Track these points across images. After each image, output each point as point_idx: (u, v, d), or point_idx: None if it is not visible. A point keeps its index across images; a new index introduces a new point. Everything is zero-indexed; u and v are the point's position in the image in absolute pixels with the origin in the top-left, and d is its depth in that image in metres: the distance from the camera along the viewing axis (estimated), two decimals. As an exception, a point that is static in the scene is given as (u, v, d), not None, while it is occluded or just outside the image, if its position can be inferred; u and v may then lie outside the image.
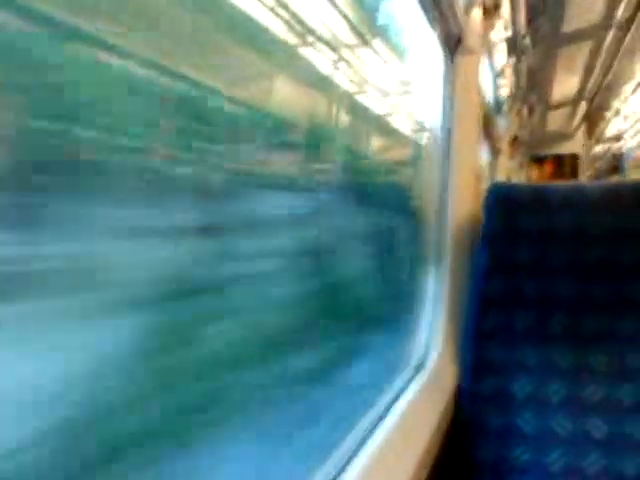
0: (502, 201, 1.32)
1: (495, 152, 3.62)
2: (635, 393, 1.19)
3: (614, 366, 1.22)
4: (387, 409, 1.08)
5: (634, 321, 1.23)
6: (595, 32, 3.68)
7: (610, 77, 5.12)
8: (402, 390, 1.18)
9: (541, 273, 1.29)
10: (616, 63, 4.54)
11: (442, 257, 1.48)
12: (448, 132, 1.55)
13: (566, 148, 7.75)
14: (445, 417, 1.19)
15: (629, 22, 3.54)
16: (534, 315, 1.27)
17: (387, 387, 1.19)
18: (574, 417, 1.20)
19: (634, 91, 6.61)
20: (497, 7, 1.80)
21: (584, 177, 8.12)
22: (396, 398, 1.13)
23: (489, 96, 3.65)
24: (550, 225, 1.29)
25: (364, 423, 1.01)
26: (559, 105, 5.65)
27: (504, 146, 3.74)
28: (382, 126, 2.30)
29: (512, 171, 5.92)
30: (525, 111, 4.59)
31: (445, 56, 1.61)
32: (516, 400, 1.23)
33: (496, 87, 3.61)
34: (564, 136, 7.52)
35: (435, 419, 1.12)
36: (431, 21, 1.48)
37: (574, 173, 7.71)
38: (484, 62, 3.28)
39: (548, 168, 7.73)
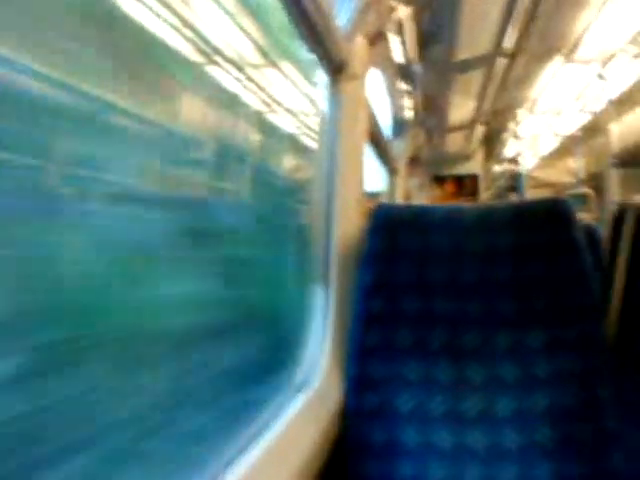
0: (385, 222, 1.36)
1: (393, 173, 3.70)
2: (510, 405, 1.23)
3: (490, 379, 1.26)
4: (264, 428, 1.06)
5: (507, 336, 1.28)
6: (486, 60, 3.86)
7: (503, 102, 5.39)
8: (282, 409, 1.17)
9: (421, 291, 1.32)
10: (507, 89, 4.78)
11: (328, 277, 1.48)
12: (333, 155, 1.56)
13: (466, 168, 8.08)
14: (329, 434, 1.19)
15: (515, 52, 3.73)
16: (415, 332, 1.30)
17: (267, 406, 1.18)
18: (454, 430, 1.23)
19: (527, 116, 7.01)
20: (381, 35, 1.84)
21: (484, 196, 8.49)
22: (275, 417, 1.12)
23: (384, 118, 3.77)
24: (429, 245, 1.33)
25: (235, 444, 0.99)
26: (457, 128, 5.88)
27: (402, 167, 3.83)
28: (292, 145, 2.29)
29: (414, 191, 6.10)
30: (424, 133, 4.73)
31: (329, 81, 1.63)
32: (399, 415, 1.25)
33: (395, 109, 3.72)
34: (464, 157, 7.84)
35: (318, 437, 1.13)
36: (312, 47, 1.49)
37: (474, 192, 8.04)
38: (380, 86, 3.38)
39: (449, 188, 8.02)
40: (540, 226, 1.32)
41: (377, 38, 1.88)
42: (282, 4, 1.28)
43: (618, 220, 1.38)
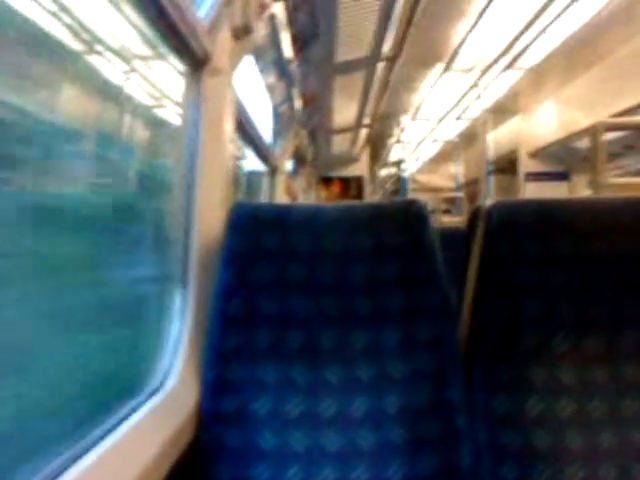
0: (245, 220, 1.35)
1: (273, 172, 3.68)
2: (364, 405, 1.24)
3: (347, 380, 1.26)
4: (108, 432, 1.02)
5: (363, 336, 1.29)
6: (366, 64, 3.92)
7: (387, 107, 5.53)
8: (131, 412, 1.12)
9: (280, 291, 1.31)
10: (390, 94, 4.90)
11: (187, 277, 1.45)
12: (194, 152, 1.52)
13: (352, 171, 8.26)
14: (181, 439, 1.16)
15: (395, 57, 3.82)
16: (273, 333, 1.29)
17: (115, 409, 1.12)
18: (310, 432, 1.23)
19: (410, 122, 7.26)
20: (248, 30, 1.79)
21: (372, 198, 8.71)
22: (121, 420, 1.08)
23: (265, 117, 3.74)
24: (289, 244, 1.33)
25: (75, 448, 0.94)
26: (342, 130, 5.96)
27: (283, 166, 3.82)
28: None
29: (301, 191, 6.12)
30: (308, 133, 4.75)
31: (189, 76, 1.58)
32: (256, 418, 1.24)
33: (274, 108, 3.71)
34: (350, 159, 8.00)
35: (168, 441, 1.09)
36: (168, 39, 1.43)
37: (359, 195, 8.23)
38: (258, 83, 3.35)
39: (335, 189, 8.16)
40: (395, 227, 1.34)
41: (244, 33, 1.84)
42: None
43: (472, 222, 1.42)
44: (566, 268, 1.33)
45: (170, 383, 1.31)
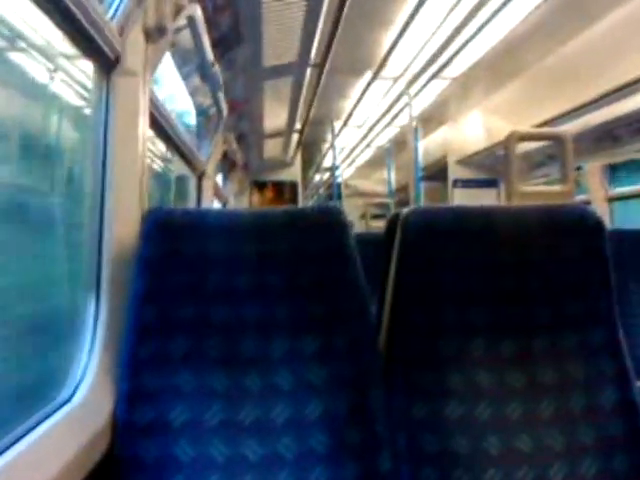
0: (160, 226, 1.31)
1: (200, 176, 3.63)
2: (285, 412, 1.24)
3: (267, 387, 1.26)
4: (10, 445, 0.96)
5: (283, 343, 1.29)
6: (294, 69, 3.94)
7: (318, 112, 5.56)
8: (38, 424, 1.06)
9: (197, 298, 1.30)
10: (320, 100, 4.93)
11: (100, 283, 1.40)
12: (105, 154, 1.48)
13: (286, 175, 8.27)
14: (93, 451, 1.12)
15: (322, 63, 3.85)
16: (190, 340, 1.27)
17: (19, 421, 1.06)
18: (231, 441, 1.20)
19: (343, 127, 7.34)
20: (162, 30, 1.77)
21: (305, 202, 8.75)
22: (26, 433, 1.02)
23: (188, 119, 3.70)
24: (206, 250, 1.31)
25: None
26: (274, 134, 5.96)
27: (211, 170, 3.78)
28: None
29: (232, 195, 6.08)
30: (237, 137, 4.73)
31: (99, 77, 1.54)
32: (173, 429, 1.21)
33: (198, 111, 3.67)
34: (283, 164, 8.02)
35: (79, 453, 1.05)
36: (73, 40, 1.39)
37: (293, 199, 8.26)
38: (180, 86, 3.30)
39: (269, 194, 8.16)
40: (314, 232, 1.34)
41: (158, 34, 1.81)
42: None
43: (390, 228, 1.43)
44: (480, 274, 1.36)
45: (82, 393, 1.26)
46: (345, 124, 7.19)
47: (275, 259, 1.32)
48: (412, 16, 4.00)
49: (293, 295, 1.32)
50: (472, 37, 4.24)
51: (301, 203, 8.45)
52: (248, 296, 1.30)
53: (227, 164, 5.16)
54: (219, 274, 1.31)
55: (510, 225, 1.39)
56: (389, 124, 6.99)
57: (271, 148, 6.65)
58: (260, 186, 8.13)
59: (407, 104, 5.89)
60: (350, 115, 6.80)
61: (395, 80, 5.58)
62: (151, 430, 1.21)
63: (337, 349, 1.29)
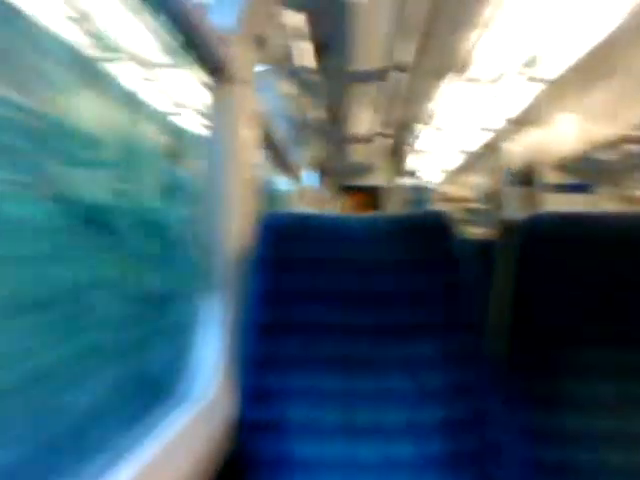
0: (275, 230, 1.35)
1: (297, 181, 3.74)
2: (401, 416, 1.24)
3: (381, 390, 1.26)
4: (147, 440, 1.01)
5: (396, 346, 1.29)
6: (381, 73, 3.99)
7: (403, 115, 5.58)
8: (170, 421, 1.12)
9: (311, 300, 1.32)
10: (405, 103, 4.95)
11: (217, 285, 1.45)
12: (219, 161, 1.55)
13: (372, 180, 8.28)
14: (221, 447, 1.17)
15: (409, 67, 3.89)
16: (305, 341, 1.30)
17: (153, 418, 1.12)
18: (347, 442, 1.22)
19: (426, 130, 7.28)
20: (265, 39, 1.87)
21: (391, 208, 8.72)
22: (161, 429, 1.07)
23: (285, 126, 3.81)
24: (318, 254, 1.33)
25: (113, 457, 0.94)
26: (361, 139, 6.02)
27: (307, 176, 3.88)
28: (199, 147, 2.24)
29: (324, 200, 6.18)
30: (329, 143, 4.82)
31: (211, 85, 1.61)
32: (292, 427, 1.24)
33: (294, 118, 3.78)
34: (370, 169, 8.03)
35: (208, 450, 1.10)
36: (188, 48, 1.48)
37: (380, 204, 8.25)
38: (278, 92, 3.43)
39: (356, 199, 8.19)
40: (421, 239, 1.34)
41: (262, 42, 1.90)
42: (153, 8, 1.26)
43: (505, 236, 1.42)
44: (607, 285, 1.31)
45: (207, 391, 1.30)
46: (433, 128, 7.14)
47: (384, 264, 1.33)
48: (503, 16, 3.96)
49: (403, 300, 1.31)
50: (566, 38, 4.14)
51: (387, 208, 8.43)
52: (360, 300, 1.31)
53: (319, 170, 5.26)
54: (332, 277, 1.33)
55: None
56: (478, 128, 6.88)
57: (358, 153, 6.72)
58: (347, 191, 8.20)
59: (499, 107, 5.79)
60: (438, 118, 6.76)
61: (487, 83, 5.51)
62: (272, 428, 1.24)
63: (450, 355, 1.28)
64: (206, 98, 1.64)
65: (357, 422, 1.24)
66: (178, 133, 1.96)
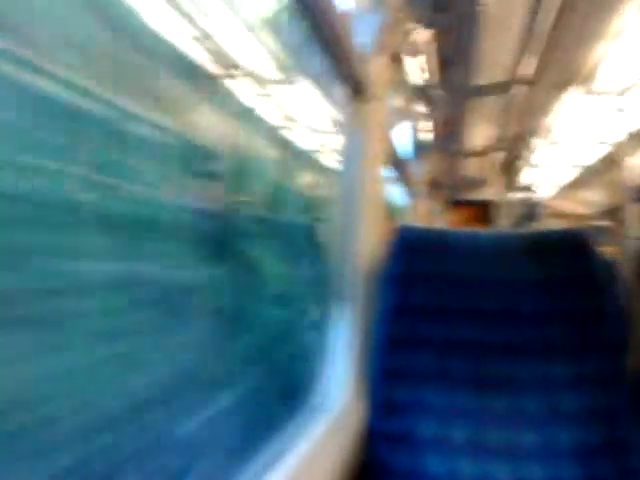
0: (408, 244, 1.36)
1: (413, 195, 3.78)
2: (534, 438, 1.21)
3: (514, 411, 1.24)
4: (283, 453, 1.02)
5: (531, 367, 1.27)
6: (502, 86, 3.96)
7: (520, 129, 5.46)
8: (304, 432, 1.13)
9: (442, 316, 1.31)
10: (525, 117, 4.86)
11: (348, 297, 1.46)
12: (353, 176, 1.57)
13: (483, 194, 8.10)
14: (351, 459, 1.17)
15: (532, 80, 3.83)
16: (437, 357, 1.29)
17: (289, 428, 1.17)
18: (478, 461, 1.20)
19: (542, 144, 7.05)
20: (398, 55, 1.92)
21: (501, 223, 8.51)
22: (297, 438, 1.08)
23: (404, 141, 3.85)
24: (450, 269, 1.34)
25: (259, 464, 0.99)
26: (475, 153, 5.96)
27: (422, 190, 3.91)
28: (308, 161, 2.30)
29: (433, 214, 6.16)
30: (442, 157, 4.82)
31: (348, 100, 1.67)
32: (422, 442, 1.23)
33: (413, 132, 3.82)
34: (481, 183, 7.87)
35: (341, 461, 1.10)
36: (331, 66, 1.54)
37: (490, 219, 8.05)
38: (398, 107, 3.49)
39: (466, 213, 8.03)
40: (561, 257, 1.32)
41: (396, 59, 1.96)
42: (303, 24, 1.28)
43: (634, 254, 1.39)
44: None
45: (335, 401, 1.30)
46: (546, 142, 6.93)
47: (520, 283, 1.31)
48: (633, 27, 3.82)
49: (540, 320, 1.29)
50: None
51: (498, 223, 8.23)
52: (493, 318, 1.30)
53: (432, 183, 5.26)
54: (464, 294, 1.32)
55: None
56: (596, 141, 6.60)
57: (470, 167, 6.65)
58: (457, 205, 8.09)
59: (619, 120, 5.54)
60: (550, 131, 6.55)
61: (606, 95, 5.30)
62: (402, 442, 1.24)
63: (586, 378, 1.24)
64: (324, 112, 1.69)
65: (487, 441, 1.22)
66: (288, 146, 2.03)
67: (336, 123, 2.36)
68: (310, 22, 1.21)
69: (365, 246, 1.51)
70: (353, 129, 1.60)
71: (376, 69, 1.68)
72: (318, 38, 1.30)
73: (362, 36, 1.60)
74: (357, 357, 1.38)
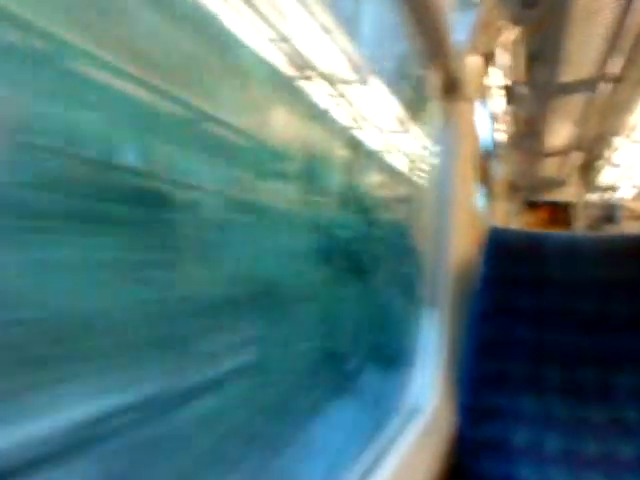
0: (500, 246, 1.32)
1: (491, 196, 3.71)
2: (634, 449, 1.16)
3: (612, 421, 1.19)
4: (383, 453, 1.04)
5: (630, 376, 1.22)
6: (588, 84, 3.83)
7: (603, 128, 5.27)
8: (398, 434, 1.14)
9: (537, 321, 1.27)
10: (608, 115, 4.69)
11: (438, 300, 1.44)
12: (444, 177, 1.55)
13: (560, 195, 7.86)
14: (443, 464, 1.14)
15: (619, 77, 3.69)
16: (531, 363, 1.26)
17: (383, 430, 1.16)
18: (573, 472, 1.15)
19: (625, 143, 6.77)
20: (492, 55, 1.89)
21: (579, 225, 8.22)
22: (392, 442, 1.09)
23: (485, 141, 3.77)
24: (546, 273, 1.29)
25: (359, 466, 1.00)
26: (554, 153, 5.79)
27: (500, 191, 3.83)
28: (379, 162, 2.30)
29: (508, 216, 6.01)
30: (521, 157, 4.71)
31: (440, 100, 1.66)
32: (514, 450, 1.19)
33: (492, 132, 3.74)
34: (559, 183, 7.63)
35: (433, 465, 1.09)
36: (427, 65, 1.53)
37: (568, 220, 7.80)
38: (481, 107, 3.40)
39: (542, 214, 7.80)
40: None
41: (489, 58, 1.93)
42: (402, 20, 1.26)
43: None
44: None
45: (427, 405, 1.29)
46: (628, 140, 6.64)
47: (620, 287, 1.26)
48: None
49: (637, 326, 1.24)
50: None
51: (576, 225, 7.96)
52: (589, 325, 1.26)
53: (509, 183, 5.14)
54: (558, 299, 1.28)
55: None
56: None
57: (548, 167, 6.46)
58: (533, 206, 7.87)
59: None
60: (635, 131, 6.28)
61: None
62: (492, 448, 1.20)
63: None
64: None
65: (583, 451, 1.17)
66: (359, 147, 2.03)
67: (403, 123, 2.35)
68: (413, 16, 1.20)
69: (456, 248, 1.49)
70: (444, 130, 1.58)
71: (468, 68, 1.66)
72: (419, 33, 1.28)
73: (458, 34, 1.55)
74: (447, 360, 1.36)
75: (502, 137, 3.80)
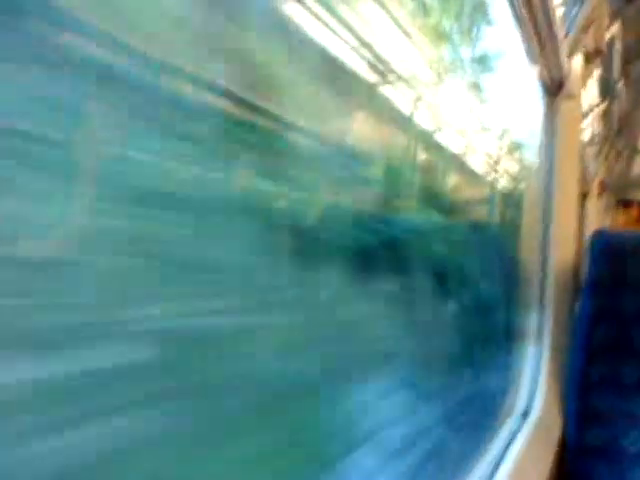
0: (606, 249, 1.32)
1: (584, 196, 3.59)
2: None
3: None
4: (499, 457, 1.05)
5: None
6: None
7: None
8: (510, 438, 1.15)
9: None
10: None
11: (544, 303, 1.45)
12: (548, 177, 1.56)
13: (657, 194, 7.49)
14: (553, 468, 1.15)
15: None
16: None
17: (496, 433, 1.18)
18: None
19: None
20: (598, 52, 1.84)
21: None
22: (506, 446, 1.10)
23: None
24: None
25: (479, 469, 1.02)
26: (647, 149, 5.53)
27: (593, 190, 3.70)
28: (461, 165, 2.29)
29: (600, 214, 5.79)
30: (614, 154, 4.53)
31: (545, 100, 1.63)
32: (627, 455, 1.17)
33: (586, 129, 3.62)
34: (654, 181, 7.28)
35: (544, 470, 1.09)
36: (533, 64, 1.52)
37: (662, 220, 7.42)
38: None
39: (635, 213, 7.47)
40: None
41: (595, 56, 1.88)
42: (513, 19, 1.29)
43: None
44: None
45: (535, 409, 1.29)
46: None
47: None
48: None
49: None
50: None
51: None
52: None
53: (601, 181, 4.96)
54: None
55: None
56: None
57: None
58: (624, 205, 7.54)
59: None
60: None
61: None
62: (603, 453, 1.18)
63: None
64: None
65: None
66: (439, 149, 2.01)
67: (484, 125, 2.32)
68: (525, 14, 1.20)
69: (561, 250, 1.48)
70: (547, 130, 1.59)
71: (573, 67, 1.64)
72: (530, 33, 1.29)
73: (565, 31, 1.56)
74: (555, 364, 1.35)
75: (596, 134, 3.68)
